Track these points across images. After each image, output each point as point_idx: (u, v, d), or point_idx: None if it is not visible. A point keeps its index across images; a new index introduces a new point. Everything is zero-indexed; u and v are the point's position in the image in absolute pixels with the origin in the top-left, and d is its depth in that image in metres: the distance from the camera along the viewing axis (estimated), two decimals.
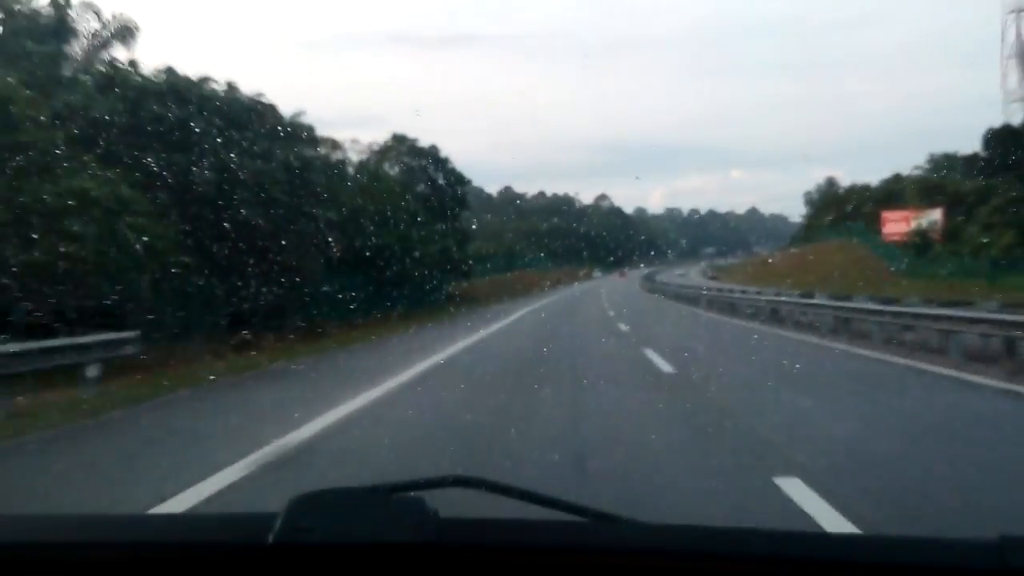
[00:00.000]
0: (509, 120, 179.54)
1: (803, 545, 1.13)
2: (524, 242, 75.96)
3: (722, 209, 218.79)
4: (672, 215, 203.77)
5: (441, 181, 39.42)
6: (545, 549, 1.13)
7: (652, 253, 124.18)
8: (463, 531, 1.13)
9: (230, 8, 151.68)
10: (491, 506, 1.26)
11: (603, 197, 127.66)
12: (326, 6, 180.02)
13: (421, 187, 37.98)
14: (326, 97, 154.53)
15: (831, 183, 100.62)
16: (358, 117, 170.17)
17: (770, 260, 70.55)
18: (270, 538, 1.08)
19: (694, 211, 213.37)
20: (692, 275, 74.55)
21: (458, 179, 40.94)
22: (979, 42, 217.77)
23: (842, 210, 71.78)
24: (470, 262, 39.98)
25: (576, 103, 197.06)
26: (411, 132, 37.81)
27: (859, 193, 59.29)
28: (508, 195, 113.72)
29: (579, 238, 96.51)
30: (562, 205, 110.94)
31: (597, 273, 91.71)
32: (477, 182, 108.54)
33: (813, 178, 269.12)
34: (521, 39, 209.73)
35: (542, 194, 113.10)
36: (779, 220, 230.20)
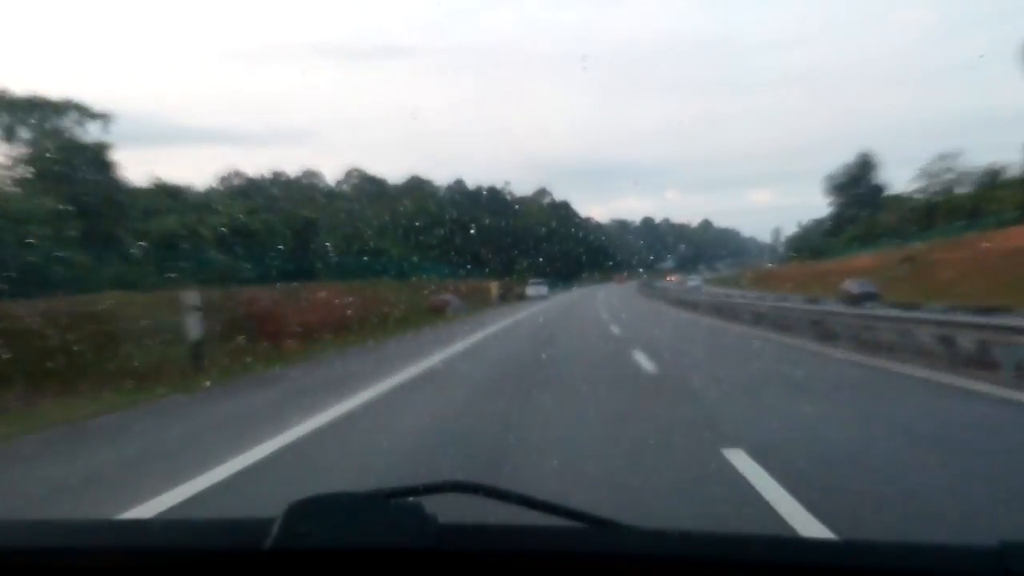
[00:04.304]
0: (435, 137, 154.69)
1: (802, 551, 1.12)
2: (406, 239, 43.99)
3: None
4: (624, 226, 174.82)
5: None
6: (545, 555, 1.11)
7: (580, 266, 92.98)
8: (463, 537, 1.11)
9: (142, 19, 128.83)
10: (489, 512, 1.23)
11: (543, 192, 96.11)
12: (239, 17, 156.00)
13: None
14: (251, 111, 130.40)
15: (865, 160, 71.30)
16: (287, 131, 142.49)
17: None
18: (268, 543, 1.06)
19: (648, 219, 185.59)
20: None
21: None
22: (911, 63, 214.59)
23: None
24: None
25: (507, 121, 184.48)
26: None
27: None
28: (414, 184, 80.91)
29: (511, 239, 64.80)
30: (485, 197, 78.68)
31: (535, 288, 53.10)
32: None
33: (748, 199, 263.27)
34: (452, 53, 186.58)
35: (459, 183, 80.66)
36: (730, 234, 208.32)
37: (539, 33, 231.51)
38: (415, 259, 42.99)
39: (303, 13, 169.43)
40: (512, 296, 49.54)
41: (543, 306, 39.79)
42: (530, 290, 53.17)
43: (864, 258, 49.37)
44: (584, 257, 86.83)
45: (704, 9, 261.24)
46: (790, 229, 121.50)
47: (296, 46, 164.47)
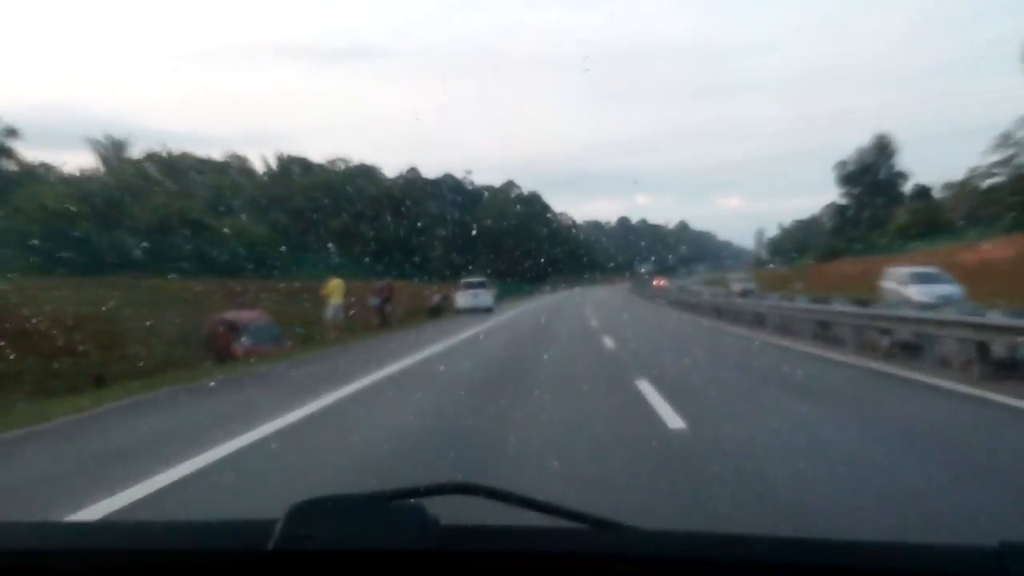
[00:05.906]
0: (403, 140, 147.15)
1: (803, 551, 1.12)
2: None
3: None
4: (598, 227, 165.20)
5: None
6: (547, 556, 1.11)
7: (560, 267, 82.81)
8: (465, 539, 1.11)
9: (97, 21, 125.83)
10: (490, 513, 1.23)
11: (512, 184, 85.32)
12: (202, 17, 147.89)
13: None
14: (216, 113, 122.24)
15: (883, 142, 61.43)
16: (251, 134, 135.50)
17: None
18: (269, 545, 1.05)
19: (624, 219, 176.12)
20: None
21: None
22: (879, 66, 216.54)
23: None
24: None
25: (474, 125, 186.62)
26: None
27: None
28: (360, 171, 69.83)
29: (466, 231, 54.04)
30: (445, 186, 67.63)
31: (472, 296, 32.40)
32: None
33: (721, 202, 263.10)
34: (423, 55, 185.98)
35: (413, 170, 69.48)
36: (707, 237, 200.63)
37: (512, 36, 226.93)
38: (283, 248, 31.83)
39: (267, 14, 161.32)
40: (400, 312, 27.19)
41: (453, 344, 17.01)
42: (462, 299, 32.36)
43: (982, 248, 34.77)
44: (585, 258, 76.80)
45: (680, 14, 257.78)
46: (767, 232, 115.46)
47: (261, 47, 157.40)
